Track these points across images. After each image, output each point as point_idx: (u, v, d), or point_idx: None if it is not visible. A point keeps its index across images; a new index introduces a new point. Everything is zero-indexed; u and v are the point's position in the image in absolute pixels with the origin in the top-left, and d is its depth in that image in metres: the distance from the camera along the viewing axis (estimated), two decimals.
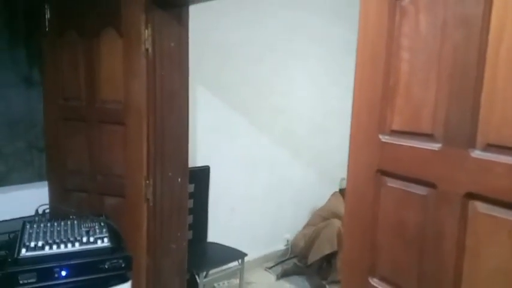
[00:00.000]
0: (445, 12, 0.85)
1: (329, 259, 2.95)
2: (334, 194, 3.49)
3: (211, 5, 2.06)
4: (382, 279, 1.04)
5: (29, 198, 1.99)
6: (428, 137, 0.89)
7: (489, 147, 0.78)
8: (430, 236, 0.90)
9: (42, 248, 1.49)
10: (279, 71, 3.23)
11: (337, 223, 2.93)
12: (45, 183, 2.10)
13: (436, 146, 0.87)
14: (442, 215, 0.86)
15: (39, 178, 2.11)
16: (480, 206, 0.80)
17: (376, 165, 1.02)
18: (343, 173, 1.13)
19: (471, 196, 0.81)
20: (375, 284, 1.05)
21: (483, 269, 0.80)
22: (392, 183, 0.99)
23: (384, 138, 0.99)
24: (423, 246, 0.91)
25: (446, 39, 0.85)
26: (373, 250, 1.05)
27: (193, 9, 1.99)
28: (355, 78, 1.06)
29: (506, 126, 0.75)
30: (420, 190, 0.92)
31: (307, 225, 3.40)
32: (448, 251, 0.86)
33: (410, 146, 0.93)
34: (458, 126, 0.83)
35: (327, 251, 2.86)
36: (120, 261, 1.54)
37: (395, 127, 0.97)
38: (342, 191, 3.47)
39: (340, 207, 3.08)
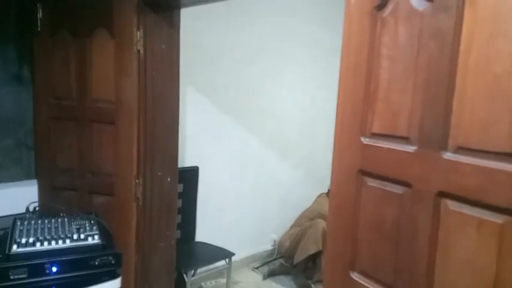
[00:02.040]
0: (421, 24, 0.92)
1: (314, 259, 3.01)
2: (320, 196, 3.56)
3: (202, 9, 2.11)
4: (362, 273, 1.10)
5: (18, 196, 2.00)
6: (405, 139, 0.96)
7: (459, 149, 0.85)
8: (405, 231, 0.96)
9: (33, 244, 1.51)
10: (268, 73, 3.28)
11: (322, 223, 2.98)
12: (34, 181, 2.11)
13: (411, 148, 0.94)
14: (417, 212, 0.93)
15: (27, 176, 2.11)
16: (451, 204, 0.87)
17: (358, 165, 1.08)
18: (330, 175, 1.19)
19: (443, 195, 0.88)
20: (355, 278, 1.11)
21: (453, 261, 0.87)
22: (372, 182, 1.05)
23: (365, 140, 1.06)
24: (399, 242, 0.98)
25: (422, 49, 0.91)
26: (354, 246, 1.11)
27: (184, 13, 2.03)
28: (340, 84, 1.12)
29: (474, 130, 0.82)
30: (397, 189, 0.98)
31: (294, 225, 3.45)
32: (422, 245, 0.92)
33: (388, 148, 1.00)
34: (432, 130, 0.89)
35: (312, 251, 2.92)
36: (111, 258, 1.57)
37: (375, 130, 1.04)
38: (329, 193, 3.53)
39: (327, 208, 3.13)
